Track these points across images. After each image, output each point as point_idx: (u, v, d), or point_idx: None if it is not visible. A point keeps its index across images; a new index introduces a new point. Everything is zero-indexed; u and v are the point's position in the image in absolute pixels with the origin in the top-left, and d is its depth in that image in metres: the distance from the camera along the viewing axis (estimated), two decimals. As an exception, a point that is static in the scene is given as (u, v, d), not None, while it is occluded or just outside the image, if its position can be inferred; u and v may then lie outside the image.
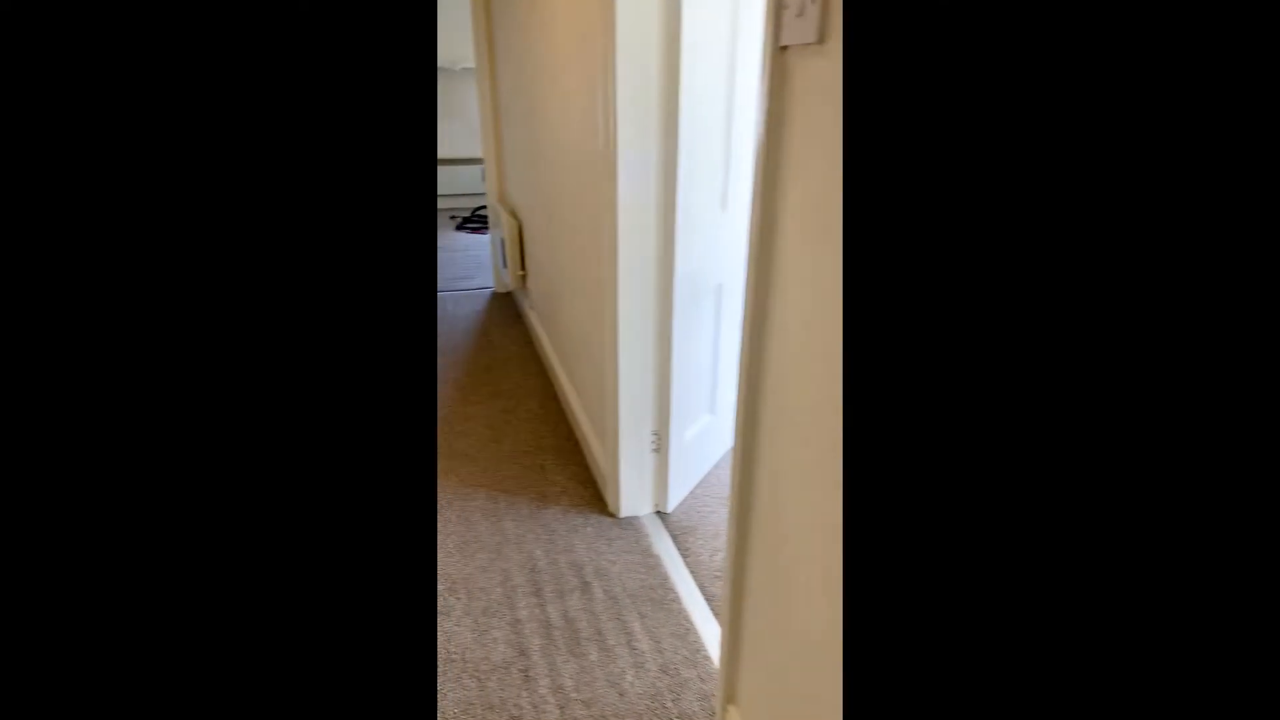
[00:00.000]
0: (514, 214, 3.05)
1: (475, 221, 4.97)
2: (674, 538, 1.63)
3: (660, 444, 1.65)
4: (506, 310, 3.22)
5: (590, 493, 1.79)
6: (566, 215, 1.94)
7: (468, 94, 5.28)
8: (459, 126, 5.39)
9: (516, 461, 1.93)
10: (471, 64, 5.10)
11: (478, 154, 5.43)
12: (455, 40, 5.09)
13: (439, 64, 5.09)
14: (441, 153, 5.42)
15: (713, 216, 1.56)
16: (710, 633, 1.36)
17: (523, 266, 2.95)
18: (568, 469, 1.90)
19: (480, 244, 4.45)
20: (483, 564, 1.52)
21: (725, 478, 1.86)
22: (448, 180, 5.44)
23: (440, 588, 1.45)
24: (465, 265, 3.96)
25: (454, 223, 5.02)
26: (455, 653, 1.29)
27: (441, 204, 5.50)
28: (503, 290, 3.49)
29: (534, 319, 2.83)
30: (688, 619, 1.38)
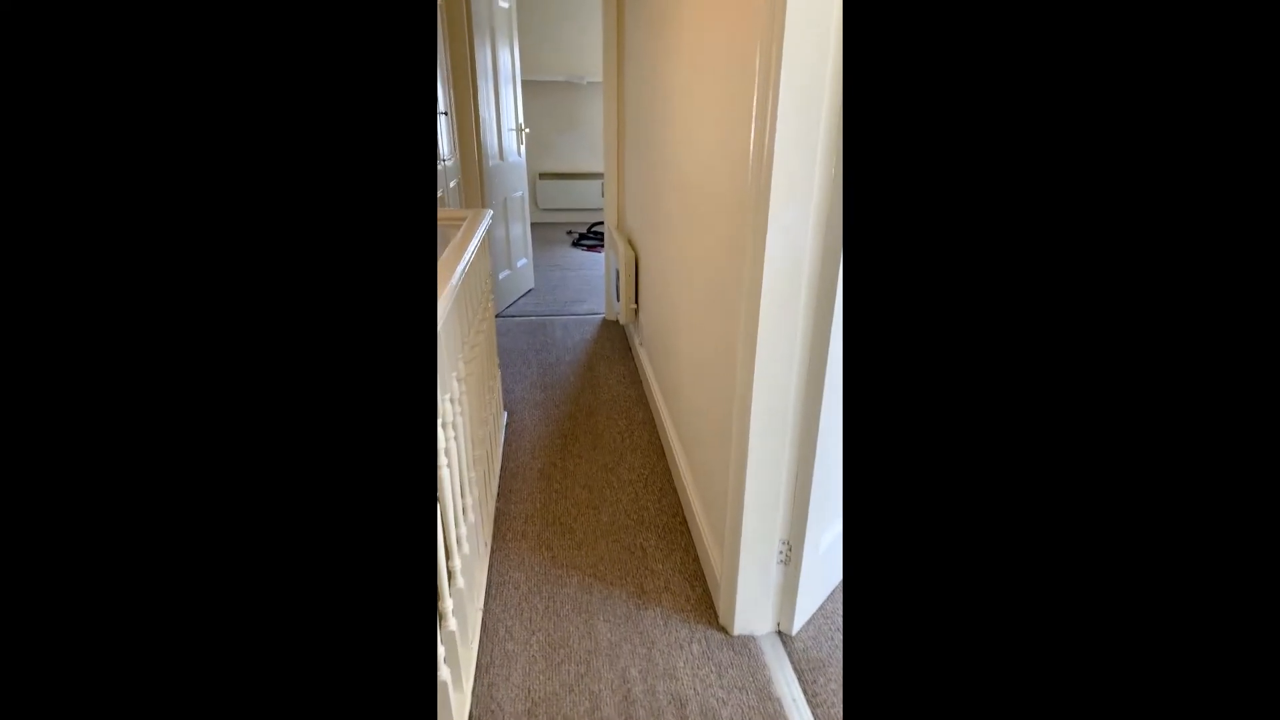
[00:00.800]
0: (631, 244, 2.83)
1: (590, 238, 4.85)
2: (799, 674, 1.31)
3: (791, 555, 1.34)
4: (616, 341, 3.01)
5: (698, 594, 1.51)
6: (692, 254, 1.67)
7: (589, 107, 5.19)
8: (579, 140, 5.31)
9: (615, 539, 1.68)
10: (598, 78, 5.00)
11: (596, 169, 5.32)
12: (582, 53, 5.01)
13: (563, 77, 5.03)
14: (560, 167, 5.36)
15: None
16: (850, 836, 1.03)
17: (636, 300, 2.72)
18: (672, 556, 1.62)
19: (594, 262, 4.31)
20: (569, 681, 1.28)
21: (865, 591, 1.51)
22: (565, 195, 5.37)
23: (519, 708, 1.22)
24: (578, 287, 3.81)
25: (570, 239, 4.93)
26: (526, 812, 1.05)
27: (558, 218, 5.44)
28: (613, 318, 3.29)
29: (644, 357, 2.59)
30: (820, 809, 1.06)
